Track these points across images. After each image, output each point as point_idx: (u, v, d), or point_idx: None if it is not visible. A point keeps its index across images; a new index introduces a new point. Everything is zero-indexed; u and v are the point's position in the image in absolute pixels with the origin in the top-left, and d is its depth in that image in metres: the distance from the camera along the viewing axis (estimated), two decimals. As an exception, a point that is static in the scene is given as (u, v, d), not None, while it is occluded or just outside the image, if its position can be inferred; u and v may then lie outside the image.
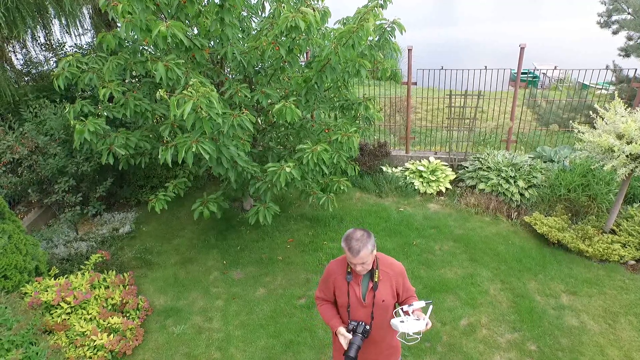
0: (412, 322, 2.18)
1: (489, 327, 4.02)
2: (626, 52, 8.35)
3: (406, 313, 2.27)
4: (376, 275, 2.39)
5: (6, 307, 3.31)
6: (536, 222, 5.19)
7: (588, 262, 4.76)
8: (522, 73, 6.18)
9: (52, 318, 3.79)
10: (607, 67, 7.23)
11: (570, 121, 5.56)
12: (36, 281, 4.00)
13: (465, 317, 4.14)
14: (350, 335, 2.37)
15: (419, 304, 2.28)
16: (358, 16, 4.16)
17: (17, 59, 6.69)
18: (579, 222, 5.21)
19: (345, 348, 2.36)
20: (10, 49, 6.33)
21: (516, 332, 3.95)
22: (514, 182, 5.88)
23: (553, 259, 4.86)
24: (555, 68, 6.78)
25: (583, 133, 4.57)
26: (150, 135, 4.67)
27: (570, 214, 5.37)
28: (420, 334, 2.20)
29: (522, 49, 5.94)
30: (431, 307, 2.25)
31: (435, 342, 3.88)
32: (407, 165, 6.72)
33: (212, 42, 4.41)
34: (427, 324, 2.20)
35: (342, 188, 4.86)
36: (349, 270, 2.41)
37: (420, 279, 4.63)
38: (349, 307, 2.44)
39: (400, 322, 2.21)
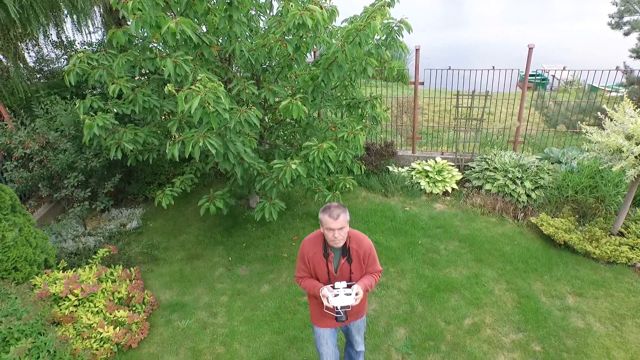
0: (342, 297, 2.55)
1: (493, 327, 4.00)
2: (638, 53, 8.24)
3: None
4: (349, 252, 2.65)
5: (16, 298, 3.38)
6: (543, 223, 5.16)
7: (595, 264, 4.72)
8: (531, 75, 6.14)
9: (60, 310, 3.85)
10: (617, 69, 7.16)
11: (579, 122, 5.51)
12: (45, 273, 4.06)
13: (470, 316, 4.13)
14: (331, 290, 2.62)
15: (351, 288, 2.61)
16: (365, 14, 4.18)
17: (30, 56, 6.80)
18: (586, 224, 5.16)
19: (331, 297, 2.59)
20: (23, 46, 6.44)
21: (521, 333, 3.92)
22: (521, 183, 5.84)
23: (559, 260, 4.82)
24: (564, 69, 6.73)
25: (591, 134, 4.53)
26: (158, 131, 4.72)
27: (577, 216, 5.33)
28: (348, 308, 2.61)
29: (530, 49, 5.91)
30: (356, 289, 2.59)
31: (439, 341, 3.87)
32: (413, 165, 6.71)
33: (220, 40, 4.45)
34: (356, 299, 2.56)
35: (347, 186, 4.87)
36: (325, 246, 2.64)
37: (425, 278, 4.63)
38: (329, 280, 2.69)
39: (334, 296, 2.56)
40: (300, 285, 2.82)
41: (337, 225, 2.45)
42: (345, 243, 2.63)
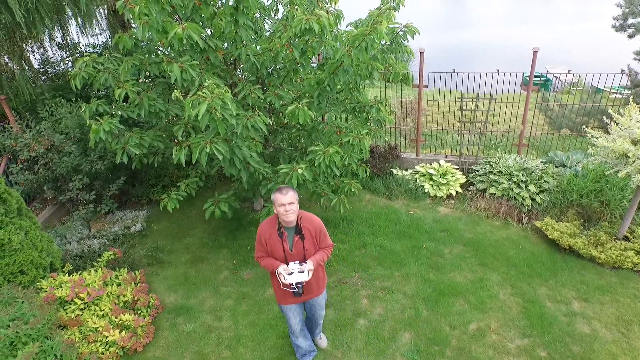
0: (297, 274, 2.92)
1: (498, 332, 3.99)
2: (642, 56, 8.21)
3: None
4: (302, 230, 2.99)
5: (23, 302, 3.39)
6: (547, 227, 5.15)
7: (600, 269, 4.71)
8: (535, 76, 6.13)
9: (66, 313, 3.85)
10: (622, 72, 7.14)
11: (584, 126, 5.49)
12: (51, 277, 4.07)
13: (475, 321, 4.13)
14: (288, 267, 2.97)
15: (304, 265, 2.96)
16: (371, 19, 4.18)
17: (35, 58, 6.82)
18: (592, 228, 5.15)
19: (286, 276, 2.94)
20: (28, 48, 6.45)
21: (526, 338, 3.92)
22: (525, 186, 5.83)
23: (564, 264, 4.81)
24: (568, 72, 6.72)
25: (597, 138, 4.52)
26: (164, 135, 4.73)
27: (582, 220, 5.32)
28: (302, 284, 3.04)
29: (535, 52, 5.90)
30: (307, 266, 2.96)
31: (444, 346, 3.87)
32: (417, 168, 6.71)
33: (226, 44, 4.46)
34: (309, 274, 2.95)
35: (352, 190, 4.87)
36: (280, 227, 2.97)
37: (429, 282, 4.62)
38: (286, 258, 3.01)
39: (289, 274, 2.92)
40: (260, 263, 3.13)
41: (287, 200, 2.82)
42: (298, 222, 2.98)
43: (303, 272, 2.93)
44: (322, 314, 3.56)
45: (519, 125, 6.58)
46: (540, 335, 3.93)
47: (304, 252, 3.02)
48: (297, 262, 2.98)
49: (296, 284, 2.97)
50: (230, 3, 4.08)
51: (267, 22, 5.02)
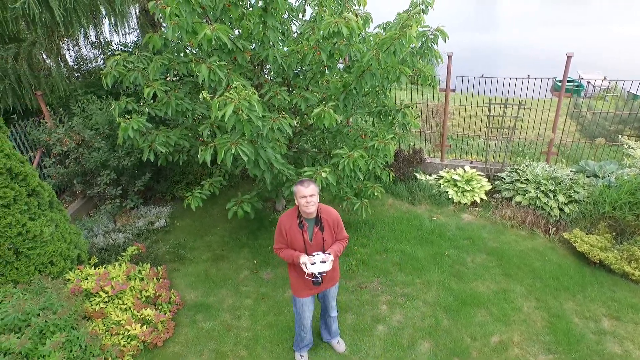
0: (319, 264, 3.07)
1: (521, 347, 3.87)
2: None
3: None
4: (321, 221, 3.13)
5: (52, 292, 3.50)
6: (576, 239, 4.96)
7: (634, 286, 4.50)
8: (568, 82, 5.92)
9: (91, 305, 3.96)
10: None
11: (619, 135, 5.27)
12: (78, 269, 4.19)
13: (497, 333, 4.01)
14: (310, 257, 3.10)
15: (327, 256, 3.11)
16: (399, 22, 4.12)
17: (70, 56, 7.05)
18: (625, 243, 4.93)
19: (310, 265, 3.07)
20: (64, 46, 6.67)
21: (551, 354, 3.78)
22: (554, 196, 5.64)
23: (594, 279, 4.62)
24: (604, 79, 6.45)
25: (634, 149, 4.33)
26: (189, 134, 4.79)
27: (614, 233, 5.09)
28: (324, 273, 3.15)
29: (568, 58, 5.69)
30: (331, 256, 3.11)
31: (464, 357, 3.78)
32: (441, 173, 6.59)
33: (253, 45, 4.48)
34: (330, 264, 3.09)
35: (375, 194, 4.82)
36: (300, 218, 3.10)
37: (451, 291, 4.53)
38: (306, 249, 3.13)
39: (312, 264, 3.06)
40: (279, 255, 3.25)
41: (308, 192, 2.96)
42: (318, 214, 3.12)
43: (325, 262, 3.09)
44: (333, 304, 3.69)
45: (549, 133, 6.37)
46: (566, 352, 3.78)
47: (323, 243, 3.16)
48: (320, 252, 3.12)
49: (318, 273, 3.12)
50: (259, 5, 4.10)
51: (294, 24, 5.02)
